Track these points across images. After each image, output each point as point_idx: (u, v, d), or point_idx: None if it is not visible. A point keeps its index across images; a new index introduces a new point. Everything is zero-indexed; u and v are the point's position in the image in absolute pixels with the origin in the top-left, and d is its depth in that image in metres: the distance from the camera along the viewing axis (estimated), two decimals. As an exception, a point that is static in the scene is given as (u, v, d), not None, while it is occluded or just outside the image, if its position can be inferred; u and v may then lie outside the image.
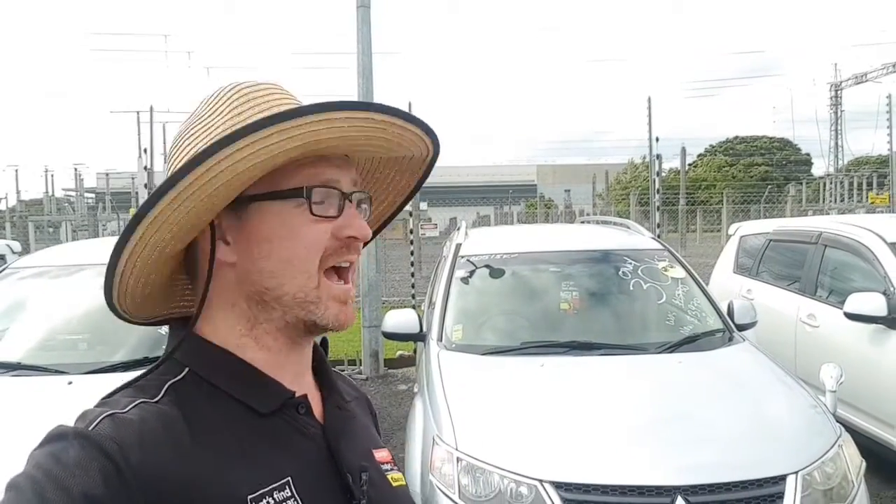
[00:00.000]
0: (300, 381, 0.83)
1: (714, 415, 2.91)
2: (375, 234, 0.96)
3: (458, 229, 5.04)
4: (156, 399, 0.73)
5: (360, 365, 7.93)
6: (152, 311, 0.85)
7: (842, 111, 39.82)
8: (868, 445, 4.57)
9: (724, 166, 49.58)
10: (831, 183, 35.19)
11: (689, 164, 51.15)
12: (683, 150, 32.85)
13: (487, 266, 4.25)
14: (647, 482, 2.51)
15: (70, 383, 3.19)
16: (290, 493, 0.73)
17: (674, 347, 3.57)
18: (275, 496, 0.72)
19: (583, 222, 6.70)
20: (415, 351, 8.30)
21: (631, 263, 4.15)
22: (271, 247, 0.77)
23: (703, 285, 4.19)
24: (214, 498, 0.68)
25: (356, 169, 0.85)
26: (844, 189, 33.62)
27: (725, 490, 2.51)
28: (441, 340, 3.75)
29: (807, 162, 51.35)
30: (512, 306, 4.07)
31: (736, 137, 55.16)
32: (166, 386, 0.75)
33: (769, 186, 26.21)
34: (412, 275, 8.91)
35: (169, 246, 0.75)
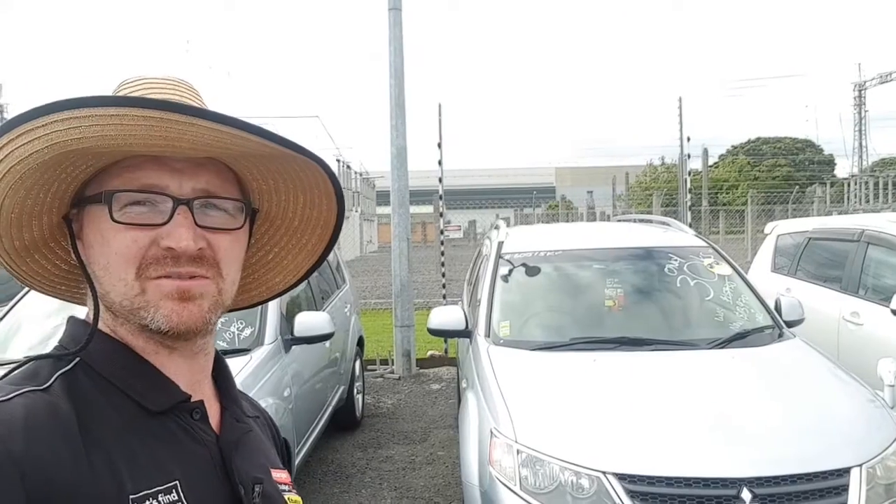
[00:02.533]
0: (197, 388, 0.80)
1: (773, 408, 2.91)
2: (316, 266, 0.93)
3: (497, 228, 5.07)
4: (44, 387, 0.70)
5: (392, 365, 7.97)
6: (46, 280, 0.84)
7: (866, 111, 39.38)
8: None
9: (745, 167, 49.16)
10: (855, 184, 34.77)
11: (710, 166, 50.83)
12: (705, 151, 32.60)
13: (530, 264, 4.27)
14: (713, 474, 2.51)
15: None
16: (176, 498, 0.70)
17: (724, 343, 3.56)
18: (159, 499, 0.69)
19: (620, 221, 6.69)
20: (446, 351, 8.33)
21: (676, 260, 4.15)
22: (93, 252, 0.75)
23: (750, 282, 4.18)
24: (97, 494, 0.65)
25: (235, 178, 0.80)
26: (869, 190, 33.21)
27: (790, 482, 2.51)
28: (489, 336, 3.78)
29: (829, 162, 50.81)
30: (557, 303, 4.09)
31: (758, 138, 54.71)
32: (56, 374, 0.72)
33: (796, 187, 25.93)
34: (443, 275, 8.94)
35: (13, 216, 0.73)
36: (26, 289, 4.22)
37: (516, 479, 2.72)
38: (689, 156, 8.77)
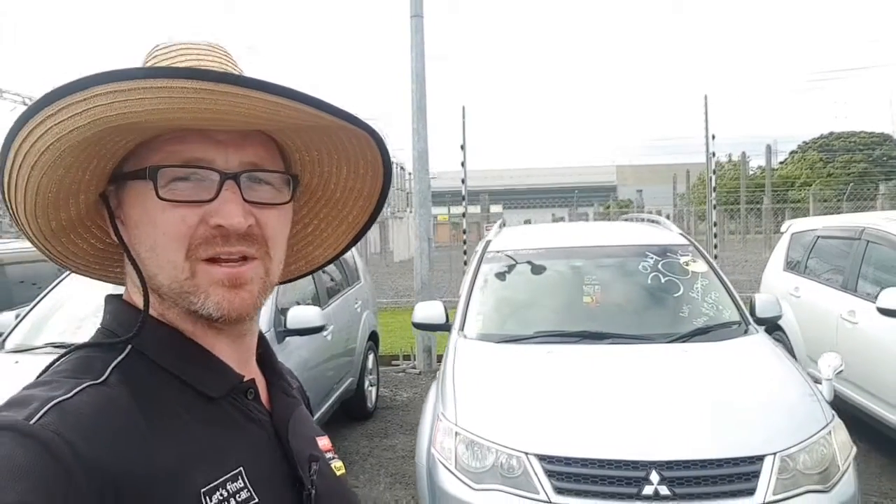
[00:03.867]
0: (245, 367, 0.79)
1: (704, 398, 3.02)
2: (357, 238, 0.90)
3: (491, 227, 5.28)
4: (101, 380, 0.67)
5: (414, 360, 8.26)
6: (81, 259, 0.81)
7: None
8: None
9: (817, 163, 47.17)
10: (936, 179, 32.91)
11: (780, 162, 48.98)
12: (768, 147, 31.63)
13: (511, 260, 4.47)
14: (624, 456, 2.68)
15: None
16: (242, 484, 0.69)
17: (684, 338, 3.67)
18: (228, 487, 0.68)
19: (625, 220, 6.78)
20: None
21: (652, 258, 4.26)
22: (138, 232, 0.72)
23: (725, 279, 4.24)
24: (169, 491, 0.63)
25: (278, 150, 0.78)
26: (950, 186, 31.37)
27: (701, 467, 2.64)
28: (462, 330, 4.00)
29: (910, 157, 48.09)
30: (531, 298, 4.27)
31: (831, 133, 52.37)
32: (112, 366, 0.69)
33: (850, 185, 24.81)
34: (464, 273, 9.17)
35: (51, 195, 0.70)
36: (59, 279, 4.71)
37: (453, 459, 2.94)
38: (714, 154, 8.70)
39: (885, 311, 4.31)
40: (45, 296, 4.52)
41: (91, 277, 0.84)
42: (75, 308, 4.42)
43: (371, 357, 6.55)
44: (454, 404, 3.14)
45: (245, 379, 0.77)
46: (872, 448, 5.08)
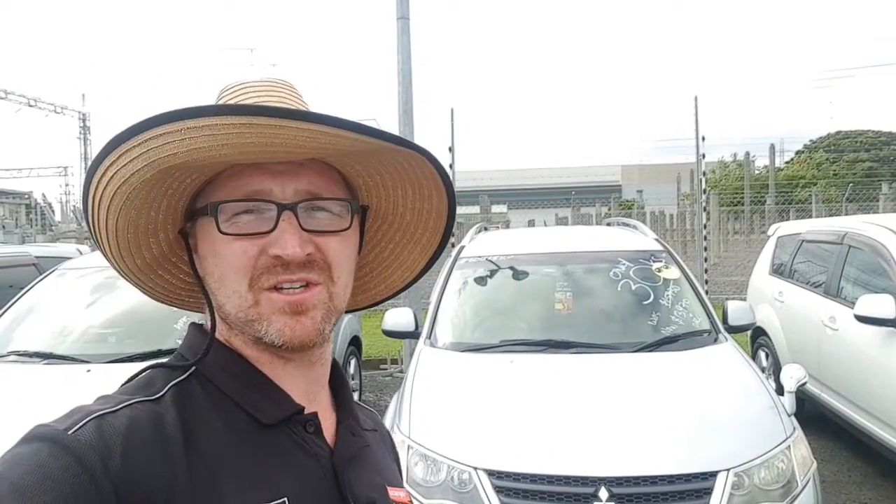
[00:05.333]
0: (313, 399, 0.79)
1: (661, 412, 2.95)
2: (433, 260, 0.90)
3: (499, 227, 5.23)
4: (156, 397, 0.70)
5: (402, 363, 8.20)
6: (173, 293, 0.86)
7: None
8: (882, 453, 4.40)
9: (823, 163, 46.89)
10: (943, 179, 32.60)
11: (786, 162, 48.73)
12: (772, 147, 31.40)
13: (482, 268, 4.40)
14: (573, 472, 2.61)
15: (89, 371, 3.61)
16: None
17: (651, 347, 3.60)
18: None
19: (608, 224, 6.71)
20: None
21: (624, 264, 4.19)
22: (207, 264, 0.75)
23: (698, 286, 4.17)
24: None
25: (338, 178, 0.78)
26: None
27: (651, 483, 2.58)
28: (429, 338, 3.94)
29: (918, 156, 47.72)
30: (500, 305, 4.20)
31: (838, 132, 52.09)
32: (171, 384, 0.72)
33: (850, 185, 24.63)
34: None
35: (130, 236, 0.75)
36: (31, 284, 4.68)
37: (404, 473, 2.89)
38: (704, 155, 8.60)
39: (861, 319, 4.24)
40: (13, 304, 4.49)
41: (184, 308, 0.88)
42: (46, 316, 4.40)
43: (353, 362, 6.50)
44: (409, 416, 3.08)
45: (307, 411, 0.76)
46: (854, 457, 5.00)
